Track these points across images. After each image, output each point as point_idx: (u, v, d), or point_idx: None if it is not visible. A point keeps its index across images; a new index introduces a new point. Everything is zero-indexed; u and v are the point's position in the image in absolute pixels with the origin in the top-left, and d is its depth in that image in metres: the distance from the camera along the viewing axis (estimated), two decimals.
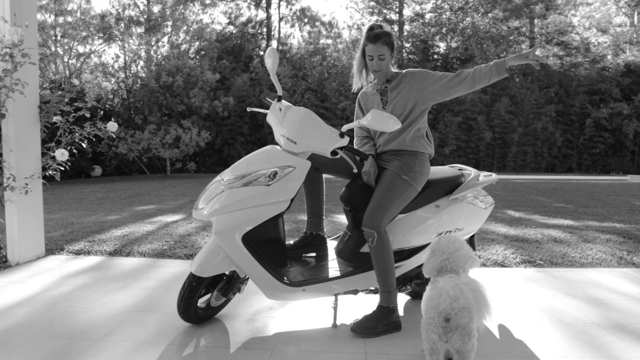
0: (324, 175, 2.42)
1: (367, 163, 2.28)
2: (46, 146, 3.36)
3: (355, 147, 2.43)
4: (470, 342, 1.52)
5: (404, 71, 2.32)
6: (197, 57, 17.05)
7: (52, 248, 3.69)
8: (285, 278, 2.03)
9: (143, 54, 16.42)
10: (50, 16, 15.13)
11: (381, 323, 2.05)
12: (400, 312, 2.37)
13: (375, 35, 2.19)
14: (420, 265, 2.40)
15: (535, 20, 19.82)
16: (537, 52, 1.97)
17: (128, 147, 13.33)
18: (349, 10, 36.95)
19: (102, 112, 3.63)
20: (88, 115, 3.41)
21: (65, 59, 15.49)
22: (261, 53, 18.90)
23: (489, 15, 19.57)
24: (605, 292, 2.69)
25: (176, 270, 3.10)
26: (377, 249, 2.06)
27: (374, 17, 20.78)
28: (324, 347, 1.94)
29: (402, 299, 2.55)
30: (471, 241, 2.66)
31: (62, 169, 3.42)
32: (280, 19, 20.44)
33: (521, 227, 4.78)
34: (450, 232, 2.33)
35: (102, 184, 11.09)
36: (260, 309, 2.39)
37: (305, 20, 20.67)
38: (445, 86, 2.20)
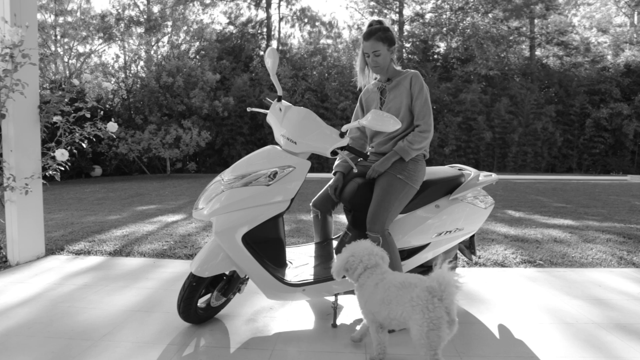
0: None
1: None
2: (46, 146, 3.36)
3: None
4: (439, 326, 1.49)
5: (409, 72, 2.28)
6: (197, 57, 17.05)
7: (52, 248, 3.69)
8: (285, 278, 2.03)
9: (143, 54, 16.43)
10: (50, 16, 15.14)
11: None
12: None
13: (368, 32, 2.18)
14: (421, 266, 2.40)
15: (535, 20, 19.83)
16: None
17: (128, 147, 13.34)
18: (349, 10, 37.06)
19: (102, 112, 3.63)
20: (88, 115, 3.41)
21: (65, 59, 15.50)
22: (261, 53, 18.90)
23: (489, 15, 19.57)
24: (605, 292, 2.69)
25: (176, 271, 3.11)
26: None
27: (374, 17, 20.78)
28: (324, 347, 1.94)
29: None
30: (471, 241, 2.66)
31: (62, 169, 3.42)
32: (280, 19, 20.47)
33: (521, 227, 4.78)
34: (450, 232, 2.33)
35: (102, 184, 11.09)
36: (260, 309, 2.39)
37: (305, 20, 20.70)
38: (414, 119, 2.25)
